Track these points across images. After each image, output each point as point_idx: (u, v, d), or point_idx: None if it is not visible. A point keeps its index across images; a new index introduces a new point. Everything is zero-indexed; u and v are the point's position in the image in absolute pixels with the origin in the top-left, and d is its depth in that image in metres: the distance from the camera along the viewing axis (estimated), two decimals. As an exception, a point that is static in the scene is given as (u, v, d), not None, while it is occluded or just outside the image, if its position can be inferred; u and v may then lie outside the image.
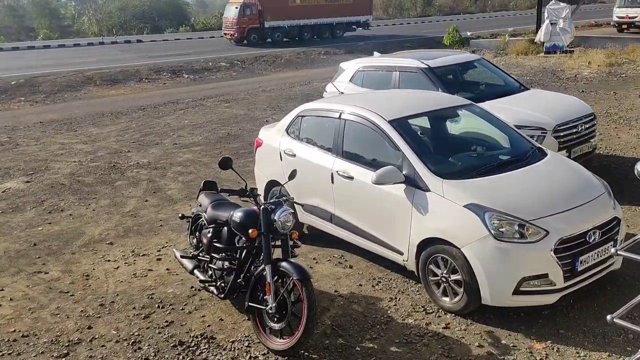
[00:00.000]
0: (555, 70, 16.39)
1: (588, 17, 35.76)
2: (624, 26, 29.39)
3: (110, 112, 13.82)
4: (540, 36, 20.62)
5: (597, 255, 4.23)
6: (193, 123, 12.00)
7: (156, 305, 4.73)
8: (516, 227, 4.06)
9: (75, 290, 5.06)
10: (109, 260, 5.67)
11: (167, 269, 5.42)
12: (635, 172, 1.88)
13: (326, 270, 5.25)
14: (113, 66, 21.70)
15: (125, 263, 5.60)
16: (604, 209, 4.42)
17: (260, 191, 6.15)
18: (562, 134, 6.64)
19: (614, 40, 21.35)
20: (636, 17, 29.14)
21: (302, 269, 3.96)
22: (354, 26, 32.49)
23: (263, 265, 4.04)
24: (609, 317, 1.92)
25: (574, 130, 6.77)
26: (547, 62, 18.06)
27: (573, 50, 19.61)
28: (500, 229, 4.06)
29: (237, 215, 4.28)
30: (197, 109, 13.69)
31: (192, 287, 5.01)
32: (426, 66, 7.68)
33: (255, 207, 4.28)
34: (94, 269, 5.48)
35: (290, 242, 4.20)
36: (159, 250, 5.85)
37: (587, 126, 6.94)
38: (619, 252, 1.96)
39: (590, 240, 4.16)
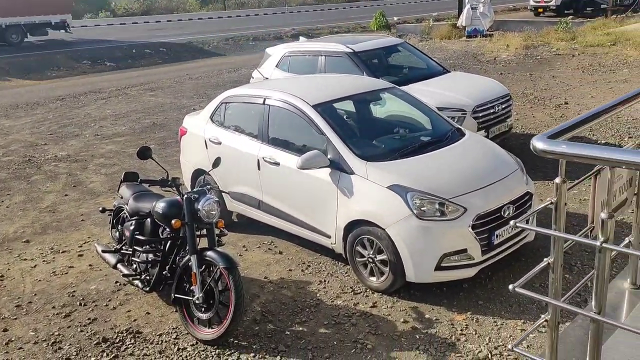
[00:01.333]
0: (476, 53, 17.00)
1: (507, 2, 37.25)
2: (540, 10, 30.92)
3: (25, 103, 13.04)
4: (462, 20, 21.30)
5: (512, 229, 4.45)
6: (116, 113, 11.53)
7: (78, 303, 4.55)
8: (437, 206, 4.20)
9: (-12, 293, 4.77)
10: (25, 259, 5.38)
11: (90, 265, 5.21)
12: (531, 147, 1.98)
13: (256, 257, 5.23)
14: (27, 54, 20.42)
15: (44, 261, 5.33)
16: (517, 184, 4.66)
17: (187, 181, 6.02)
18: (480, 114, 6.90)
19: (530, 23, 22.39)
20: (551, 1, 30.74)
21: (229, 257, 3.92)
22: (47, 28, 23.74)
23: (188, 256, 3.97)
24: (510, 286, 2.03)
25: (492, 111, 7.05)
26: (469, 45, 18.70)
27: (492, 34, 20.41)
28: (422, 208, 4.19)
29: (160, 206, 4.16)
30: (120, 98, 13.16)
31: (116, 282, 4.85)
32: (351, 50, 7.75)
33: (178, 197, 4.18)
34: (8, 269, 5.18)
35: (217, 231, 4.14)
36: (81, 246, 5.61)
37: (503, 106, 7.25)
38: (517, 224, 2.06)
39: (505, 215, 4.36)
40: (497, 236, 4.32)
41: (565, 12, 29.00)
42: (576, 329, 2.55)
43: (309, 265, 5.03)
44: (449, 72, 8.29)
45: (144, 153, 4.31)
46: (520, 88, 11.71)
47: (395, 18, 27.61)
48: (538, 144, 1.95)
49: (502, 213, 4.34)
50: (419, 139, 5.12)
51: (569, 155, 1.91)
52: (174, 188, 4.19)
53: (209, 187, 4.24)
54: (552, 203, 2.05)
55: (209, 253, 3.94)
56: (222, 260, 3.86)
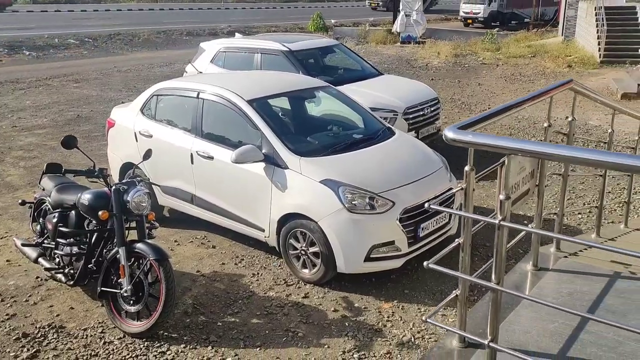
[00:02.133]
0: (409, 59, 17.57)
1: (439, 12, 38.69)
2: (469, 21, 32.38)
3: None
4: (397, 27, 21.96)
5: (436, 222, 4.67)
6: (36, 104, 10.98)
7: (-5, 299, 4.32)
8: (367, 200, 4.34)
9: None
10: (-64, 254, 5.04)
11: (7, 260, 4.96)
12: (443, 137, 2.17)
13: (188, 252, 5.17)
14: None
15: (-43, 256, 5.02)
16: (441, 181, 4.89)
17: (115, 174, 5.85)
18: (411, 116, 7.17)
19: (460, 33, 23.39)
20: (479, 12, 32.23)
21: (159, 249, 3.87)
22: None
23: (116, 248, 3.88)
24: (425, 263, 2.21)
25: (421, 113, 7.34)
26: (403, 51, 19.29)
27: (425, 42, 21.16)
28: (353, 202, 4.31)
29: (86, 197, 4.04)
30: (41, 89, 12.54)
31: (37, 277, 4.65)
32: (287, 49, 7.82)
33: (106, 189, 4.08)
34: None
35: (147, 224, 4.07)
36: (-2, 241, 5.33)
37: (432, 109, 7.56)
38: (431, 206, 2.28)
39: (430, 210, 4.56)
40: (422, 229, 4.52)
41: (492, 24, 30.55)
42: (484, 305, 2.78)
43: (243, 259, 5.04)
44: (382, 74, 8.55)
45: (69, 142, 4.18)
46: (449, 93, 12.23)
47: (333, 20, 28.01)
48: (449, 133, 2.15)
49: (426, 208, 4.53)
50: (352, 136, 5.26)
51: (475, 143, 2.12)
52: (101, 179, 4.09)
53: (139, 179, 4.15)
54: (462, 189, 2.24)
55: (139, 245, 3.87)
56: (153, 252, 3.80)
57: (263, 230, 4.82)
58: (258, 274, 4.79)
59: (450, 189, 4.80)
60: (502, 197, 2.18)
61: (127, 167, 5.73)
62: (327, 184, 4.38)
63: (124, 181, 4.06)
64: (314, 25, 25.51)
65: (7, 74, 14.65)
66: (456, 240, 2.36)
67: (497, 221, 2.15)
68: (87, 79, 13.80)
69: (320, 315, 4.15)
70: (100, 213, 3.84)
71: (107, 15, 33.85)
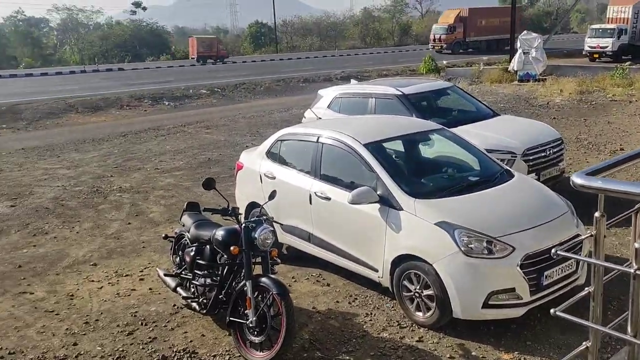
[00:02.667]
0: (528, 97, 17.00)
1: (560, 46, 37.03)
2: (596, 55, 30.54)
3: (92, 139, 13.93)
4: (514, 65, 21.41)
5: (562, 270, 4.48)
6: (174, 148, 12.18)
7: (139, 323, 4.85)
8: (484, 244, 4.31)
9: (60, 309, 5.15)
10: (92, 281, 5.77)
11: (150, 289, 5.54)
12: (571, 183, 2.15)
13: (304, 288, 5.43)
14: (94, 94, 21.86)
15: (109, 283, 5.71)
16: (567, 226, 4.70)
17: (241, 212, 6.33)
18: (531, 157, 6.98)
19: (584, 69, 22.19)
20: (607, 46, 30.36)
21: (281, 284, 4.14)
22: None
23: (244, 281, 4.22)
24: (552, 310, 2.17)
25: (543, 154, 7.11)
26: (521, 89, 18.72)
27: (545, 79, 20.38)
28: (470, 245, 4.30)
29: (220, 233, 4.46)
30: (178, 135, 13.88)
31: (174, 305, 5.14)
32: (401, 93, 8.03)
33: (236, 226, 4.47)
34: (78, 289, 5.58)
35: (270, 260, 4.39)
36: (142, 271, 5.98)
37: (555, 150, 7.29)
38: (558, 252, 2.21)
39: (555, 257, 4.41)
40: (546, 277, 4.36)
41: (623, 57, 28.55)
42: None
43: (356, 298, 5.18)
44: (499, 115, 8.43)
45: (209, 183, 4.65)
46: (574, 133, 11.64)
47: (445, 62, 27.97)
48: (577, 179, 2.13)
49: (552, 254, 4.38)
50: (467, 178, 5.27)
51: (605, 190, 2.07)
52: (234, 217, 4.49)
53: (264, 217, 4.51)
54: (591, 235, 2.20)
55: (263, 279, 4.18)
56: (275, 287, 4.08)
57: (377, 271, 4.94)
58: (371, 314, 4.90)
59: (578, 235, 4.60)
60: (637, 245, 2.11)
61: (252, 205, 6.18)
62: (442, 226, 4.42)
63: (252, 219, 4.43)
64: (426, 67, 25.61)
65: (150, 122, 16.44)
66: (586, 288, 2.25)
67: (632, 270, 2.05)
68: (216, 125, 15.05)
69: (436, 360, 4.14)
70: (232, 248, 4.23)
71: (234, 67, 36.71)
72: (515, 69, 21.33)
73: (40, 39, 54.47)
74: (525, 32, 22.03)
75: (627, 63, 23.44)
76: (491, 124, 7.83)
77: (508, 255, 4.28)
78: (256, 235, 4.24)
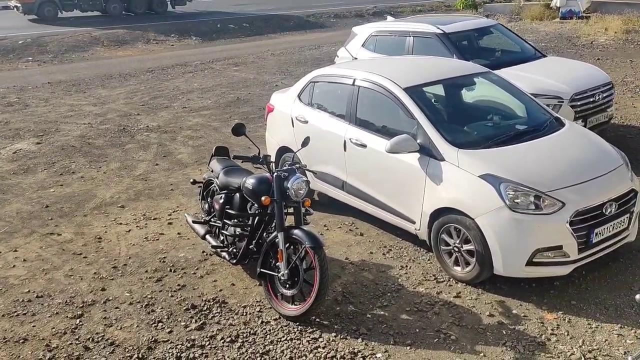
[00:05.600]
0: (570, 36, 16.03)
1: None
2: (644, -8, 28.56)
3: (119, 74, 13.70)
4: (556, 1, 20.11)
5: (613, 227, 4.19)
6: (202, 86, 11.89)
7: (168, 269, 4.77)
8: (532, 199, 4.01)
9: (88, 253, 5.10)
10: (120, 224, 5.69)
11: (179, 233, 5.44)
12: None
13: (337, 237, 5.25)
14: (120, 26, 21.41)
15: (137, 226, 5.62)
16: (621, 181, 4.36)
17: (271, 157, 6.11)
18: (579, 103, 6.52)
19: (632, 6, 20.72)
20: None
21: (315, 237, 3.95)
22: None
23: (275, 233, 4.04)
24: (638, 296, 1.90)
25: (591, 100, 6.64)
26: (563, 28, 17.65)
27: (589, 16, 19.12)
28: (516, 200, 4.01)
29: (250, 182, 4.25)
30: (206, 72, 13.54)
31: (203, 251, 5.03)
32: (441, 31, 7.51)
33: (268, 174, 4.26)
34: (106, 232, 5.51)
35: (302, 210, 4.18)
36: (170, 215, 5.87)
37: (604, 95, 6.80)
38: None
39: (607, 213, 4.11)
40: (596, 234, 4.08)
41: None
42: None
43: (390, 250, 4.99)
44: (545, 56, 7.86)
45: (238, 130, 4.41)
46: (620, 75, 10.93)
47: (483, -4, 26.46)
48: None
49: (604, 210, 4.09)
50: (514, 127, 4.90)
51: None
52: (265, 165, 4.26)
53: (298, 165, 4.27)
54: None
55: (296, 231, 3.99)
56: (309, 239, 3.89)
57: (414, 223, 4.71)
58: (407, 266, 4.71)
59: (632, 190, 4.27)
60: None
61: (282, 150, 5.96)
62: (487, 179, 4.12)
63: (284, 168, 4.19)
64: (463, 2, 24.26)
65: (177, 57, 16.06)
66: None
67: None
68: (244, 63, 14.62)
69: (474, 318, 3.96)
70: (263, 198, 4.02)
71: (264, 0, 35.48)
72: (558, 5, 20.05)
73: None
74: (571, -36, 20.54)
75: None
76: (537, 66, 7.30)
77: (557, 212, 3.99)
78: (289, 185, 4.02)
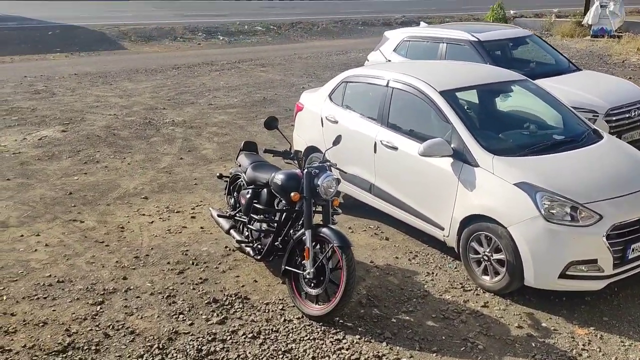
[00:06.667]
0: (602, 54, 15.80)
1: (636, 3, 34.26)
2: (677, 14, 28.22)
3: (145, 69, 13.80)
4: (589, 18, 19.83)
5: (652, 244, 4.04)
6: (229, 85, 11.91)
7: (190, 262, 4.71)
8: (568, 210, 3.89)
9: (111, 241, 5.07)
10: (143, 215, 5.67)
11: (202, 227, 5.39)
12: None
13: (362, 241, 5.16)
14: (148, 22, 21.63)
15: (160, 218, 5.59)
16: (661, 197, 4.21)
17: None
18: (614, 118, 6.38)
19: (665, 27, 20.41)
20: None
21: (343, 236, 3.87)
22: None
23: (303, 230, 3.96)
24: None
25: (627, 115, 6.50)
26: (594, 46, 17.41)
27: (621, 35, 18.84)
28: (551, 210, 3.89)
29: (279, 177, 4.19)
30: (232, 71, 13.58)
31: (226, 246, 4.98)
32: (476, 39, 7.42)
33: (297, 171, 4.19)
34: (128, 222, 5.49)
35: (331, 210, 4.10)
36: (194, 209, 5.83)
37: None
38: None
39: (645, 229, 3.97)
40: (633, 250, 3.94)
41: None
42: None
43: (416, 255, 4.89)
44: (580, 69, 7.72)
45: (271, 123, 4.35)
46: (653, 95, 10.68)
47: (512, 11, 26.27)
48: None
49: (643, 226, 3.95)
50: (551, 136, 4.77)
51: None
52: (296, 161, 4.20)
53: (328, 163, 4.19)
54: None
55: (324, 230, 3.91)
56: (337, 238, 3.81)
57: (443, 229, 4.60)
58: (433, 273, 4.60)
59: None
60: None
61: (310, 150, 5.89)
62: (522, 187, 4.00)
63: (315, 165, 4.12)
64: (493, 15, 24.06)
65: (204, 56, 16.15)
66: None
67: None
68: (271, 64, 14.64)
69: (502, 329, 3.84)
70: (292, 194, 3.95)
71: (291, 4, 35.61)
72: (590, 23, 19.79)
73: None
74: (605, -18, 20.28)
75: None
76: (572, 79, 7.16)
77: (594, 224, 3.86)
78: (319, 183, 3.94)
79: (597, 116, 6.31)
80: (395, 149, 4.90)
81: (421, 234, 5.02)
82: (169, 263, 4.69)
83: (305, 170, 4.03)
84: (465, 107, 4.98)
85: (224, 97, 10.76)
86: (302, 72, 13.36)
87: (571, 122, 5.00)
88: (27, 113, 9.42)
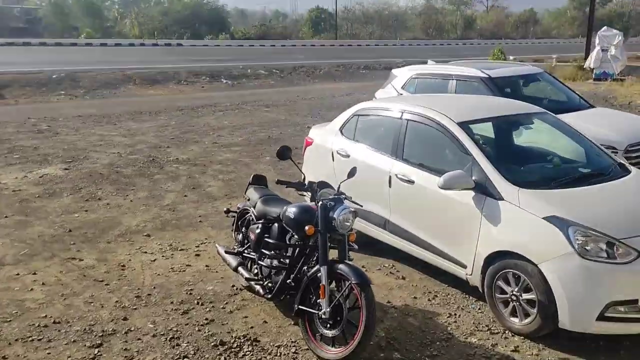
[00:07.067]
0: (606, 97, 15.82)
1: (634, 50, 34.88)
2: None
3: (149, 111, 13.77)
4: (590, 62, 20.09)
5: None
6: (233, 124, 11.81)
7: (195, 302, 4.41)
8: (603, 246, 3.61)
9: (110, 280, 4.77)
10: (145, 252, 5.39)
11: (206, 266, 5.11)
12: None
13: (377, 280, 4.85)
14: (153, 67, 21.86)
15: (163, 256, 5.31)
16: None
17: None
18: (633, 155, 6.18)
19: (666, 71, 20.63)
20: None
21: (362, 273, 3.60)
22: None
23: (318, 266, 3.69)
24: None
25: (646, 152, 6.29)
26: (597, 88, 17.49)
27: (623, 79, 19.02)
28: (586, 247, 3.62)
29: (292, 210, 3.94)
30: (236, 112, 13.53)
31: (233, 285, 4.68)
32: (487, 76, 7.31)
33: (311, 203, 3.95)
34: (130, 260, 5.20)
35: (347, 245, 3.83)
36: (198, 246, 5.55)
37: (659, 148, 6.46)
38: None
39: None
40: (676, 290, 3.64)
41: None
42: None
43: (436, 295, 4.58)
44: (594, 107, 7.59)
45: (284, 153, 4.15)
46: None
47: (511, 57, 26.61)
48: None
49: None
50: (577, 169, 4.56)
51: None
52: (310, 193, 3.96)
53: (343, 196, 3.95)
54: None
55: (341, 266, 3.63)
56: (355, 276, 3.53)
57: (465, 267, 4.31)
58: (455, 314, 4.29)
59: None
60: None
61: (320, 185, 5.62)
62: (552, 221, 3.74)
63: (330, 197, 3.88)
64: (494, 60, 24.38)
65: (207, 98, 16.18)
66: None
67: None
68: (275, 105, 14.63)
69: (538, 375, 3.51)
70: (306, 228, 3.69)
71: (292, 49, 36.32)
72: (592, 67, 20.01)
73: (101, 11, 55.69)
74: (605, 28, 20.64)
75: None
76: (587, 115, 7.02)
77: (632, 261, 3.57)
78: (335, 216, 3.69)
79: (617, 152, 6.10)
80: (412, 182, 4.67)
81: (440, 272, 4.73)
82: (172, 303, 4.39)
83: (320, 202, 3.78)
84: (486, 138, 4.78)
85: (229, 136, 10.63)
86: (307, 112, 13.31)
87: (595, 156, 4.80)
88: (29, 151, 9.26)
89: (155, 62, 24.06)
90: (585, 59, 21.14)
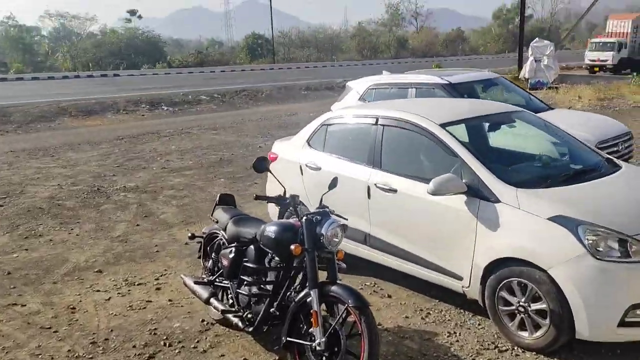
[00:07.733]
0: (547, 103, 16.22)
1: (561, 61, 36.69)
2: (596, 69, 30.49)
3: (88, 141, 12.87)
4: (525, 72, 20.76)
5: None
6: (181, 148, 11.16)
7: (161, 343, 3.82)
8: (615, 244, 3.33)
9: (60, 326, 4.09)
10: (98, 291, 4.72)
11: (170, 300, 4.51)
12: None
13: (363, 301, 4.41)
14: (89, 97, 20.77)
15: (119, 293, 4.66)
16: None
17: (276, 209, 5.33)
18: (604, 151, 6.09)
19: (593, 79, 21.67)
20: (607, 60, 30.22)
21: (359, 294, 3.15)
22: None
23: (307, 290, 3.22)
24: None
25: (615, 150, 6.24)
26: (536, 96, 17.96)
27: (558, 86, 19.73)
28: (598, 247, 3.33)
29: (271, 229, 3.46)
30: (182, 136, 12.87)
31: (202, 320, 4.12)
32: (447, 82, 7.14)
33: (292, 220, 3.49)
34: (80, 301, 4.53)
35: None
36: (157, 279, 4.94)
37: (626, 145, 6.46)
38: None
39: None
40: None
41: (622, 72, 28.38)
42: None
43: (429, 313, 4.19)
44: (553, 109, 7.56)
45: (261, 164, 3.68)
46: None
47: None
48: None
49: None
50: (569, 166, 4.33)
51: None
52: (292, 207, 3.50)
53: (328, 208, 3.51)
54: None
55: (334, 288, 3.18)
56: (352, 298, 3.09)
57: (461, 279, 3.95)
58: (455, 333, 3.90)
59: None
60: None
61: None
62: (559, 221, 3.43)
63: (315, 211, 3.43)
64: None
65: (149, 126, 15.37)
66: None
67: None
68: (223, 127, 14.06)
69: (563, 394, 3.16)
70: (292, 247, 3.22)
71: (232, 75, 35.78)
72: (527, 77, 20.70)
73: (31, 46, 53.34)
74: (537, 39, 21.50)
75: (633, 76, 22.87)
76: (552, 116, 6.90)
77: (650, 259, 3.31)
78: (323, 231, 3.25)
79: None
80: (394, 191, 4.30)
81: (429, 287, 4.36)
82: (134, 347, 3.78)
83: (304, 217, 3.33)
84: (474, 140, 4.49)
85: (178, 160, 9.98)
86: (256, 133, 12.84)
87: (581, 152, 4.61)
88: (-47, 190, 8.28)
89: (91, 93, 22.89)
90: (519, 70, 21.85)
